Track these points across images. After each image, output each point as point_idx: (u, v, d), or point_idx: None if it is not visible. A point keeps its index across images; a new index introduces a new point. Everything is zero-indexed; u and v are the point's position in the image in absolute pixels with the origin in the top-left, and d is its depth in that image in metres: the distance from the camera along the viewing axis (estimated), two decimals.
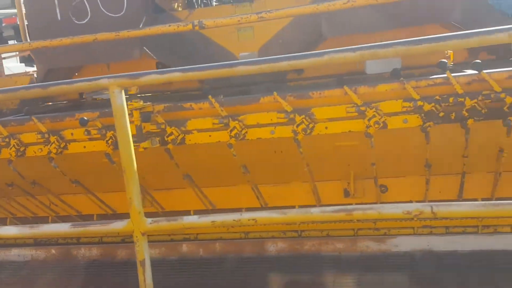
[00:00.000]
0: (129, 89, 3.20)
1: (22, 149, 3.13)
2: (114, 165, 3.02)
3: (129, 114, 2.86)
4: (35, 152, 3.13)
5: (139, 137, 2.97)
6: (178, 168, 3.15)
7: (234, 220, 2.03)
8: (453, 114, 2.68)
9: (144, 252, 2.12)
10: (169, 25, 3.09)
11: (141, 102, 2.94)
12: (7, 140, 3.14)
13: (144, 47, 3.55)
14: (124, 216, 2.29)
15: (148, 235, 2.14)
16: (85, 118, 2.98)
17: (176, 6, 3.87)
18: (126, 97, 2.55)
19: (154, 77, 2.00)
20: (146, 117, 2.93)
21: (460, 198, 3.19)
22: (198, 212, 3.54)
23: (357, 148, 2.96)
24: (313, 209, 1.98)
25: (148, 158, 3.04)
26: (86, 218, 3.71)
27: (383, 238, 3.03)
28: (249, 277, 2.95)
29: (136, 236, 2.11)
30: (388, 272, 2.81)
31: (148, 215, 2.14)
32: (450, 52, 3.37)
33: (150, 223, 2.10)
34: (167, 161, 3.08)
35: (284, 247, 3.14)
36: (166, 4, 3.81)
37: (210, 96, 2.89)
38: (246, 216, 2.01)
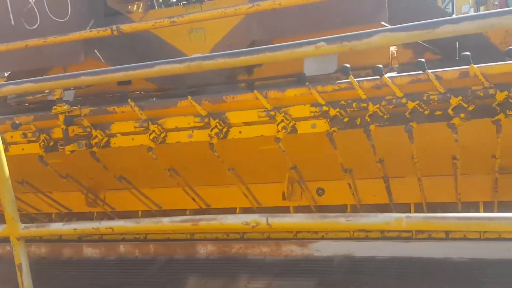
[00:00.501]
0: (53, 94, 3.30)
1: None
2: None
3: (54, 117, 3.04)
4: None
5: (65, 140, 3.08)
6: (108, 171, 3.25)
7: (93, 228, 2.10)
8: (358, 119, 2.62)
9: (20, 256, 2.21)
10: (90, 30, 3.17)
11: (66, 107, 3.04)
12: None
13: (95, 50, 3.64)
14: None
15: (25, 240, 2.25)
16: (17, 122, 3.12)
17: (132, 8, 3.94)
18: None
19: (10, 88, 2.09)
20: (69, 121, 3.03)
21: (391, 202, 3.12)
22: (144, 213, 3.64)
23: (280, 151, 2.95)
24: (164, 219, 2.02)
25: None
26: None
27: (306, 243, 3.01)
28: (174, 277, 3.01)
29: (12, 241, 2.22)
30: (303, 276, 2.79)
31: None
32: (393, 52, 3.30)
33: (23, 228, 2.20)
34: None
35: (214, 250, 3.17)
36: (122, 6, 3.87)
37: (129, 100, 2.95)
38: (104, 225, 2.06)
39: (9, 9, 3.60)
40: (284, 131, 2.73)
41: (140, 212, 3.61)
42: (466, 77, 2.42)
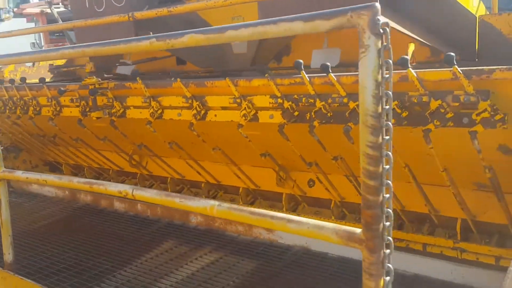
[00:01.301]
0: (85, 67, 3.77)
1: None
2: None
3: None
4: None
5: (94, 107, 3.56)
6: (127, 138, 3.68)
7: (58, 181, 2.54)
8: (308, 114, 2.65)
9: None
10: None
11: (94, 79, 3.51)
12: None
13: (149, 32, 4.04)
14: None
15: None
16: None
17: None
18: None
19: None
20: (94, 92, 3.49)
21: None
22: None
23: (260, 138, 3.07)
24: (74, 179, 2.37)
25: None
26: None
27: (272, 229, 3.10)
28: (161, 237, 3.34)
29: None
30: (253, 258, 2.92)
31: None
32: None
33: (2, 172, 2.71)
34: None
35: (202, 221, 3.42)
36: None
37: (138, 78, 3.31)
38: (70, 180, 2.48)
39: None
40: (244, 118, 2.86)
41: (169, 179, 4.00)
42: (406, 81, 2.32)
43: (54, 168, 5.08)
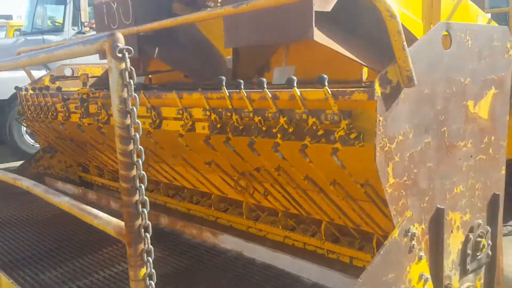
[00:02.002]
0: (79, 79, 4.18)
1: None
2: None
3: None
4: None
5: (86, 114, 3.98)
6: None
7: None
8: (228, 127, 2.85)
9: None
10: None
11: (86, 89, 3.93)
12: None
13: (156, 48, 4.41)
14: None
15: None
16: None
17: None
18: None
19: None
20: (83, 101, 3.90)
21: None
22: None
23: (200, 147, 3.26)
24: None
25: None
26: None
27: (217, 233, 3.28)
28: None
29: None
30: (188, 260, 3.12)
31: None
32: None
33: None
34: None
35: (168, 223, 3.69)
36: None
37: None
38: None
39: (104, 11, 4.62)
40: (182, 129, 3.11)
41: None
42: (293, 99, 2.45)
43: (85, 169, 5.61)
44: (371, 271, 2.16)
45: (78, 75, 5.59)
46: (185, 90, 3.15)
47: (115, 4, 4.42)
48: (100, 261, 3.17)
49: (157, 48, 4.39)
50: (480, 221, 2.78)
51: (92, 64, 5.89)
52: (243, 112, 2.72)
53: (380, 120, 2.13)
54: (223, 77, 2.78)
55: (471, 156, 2.67)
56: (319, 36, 2.93)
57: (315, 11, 2.92)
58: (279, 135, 2.49)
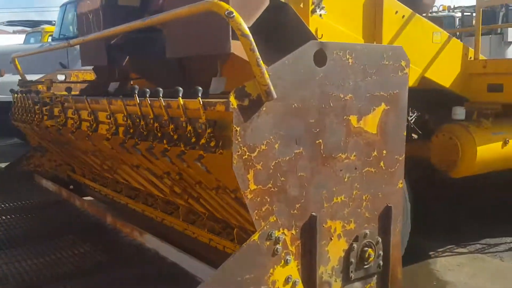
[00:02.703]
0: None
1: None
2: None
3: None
4: None
5: (49, 117, 4.30)
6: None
7: None
8: (137, 132, 3.09)
9: None
10: None
11: (49, 93, 4.25)
12: None
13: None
14: None
15: None
16: None
17: None
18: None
19: None
20: (44, 104, 4.23)
21: None
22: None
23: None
24: None
25: None
26: None
27: (143, 232, 3.52)
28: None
29: None
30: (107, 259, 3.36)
31: None
32: None
33: None
34: None
35: (110, 220, 3.95)
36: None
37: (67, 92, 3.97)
38: None
39: (84, 21, 4.94)
40: (107, 132, 3.37)
41: None
42: (170, 108, 2.67)
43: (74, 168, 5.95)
44: (223, 270, 2.34)
45: (71, 80, 5.98)
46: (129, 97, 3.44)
47: (91, 15, 4.75)
48: None
49: (127, 57, 4.69)
50: (367, 231, 2.90)
51: (84, 70, 6.26)
52: (147, 118, 2.95)
53: (237, 130, 2.32)
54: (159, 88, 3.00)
55: (355, 168, 2.81)
56: (237, 49, 3.12)
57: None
58: (165, 141, 2.71)
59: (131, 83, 5.25)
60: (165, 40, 3.75)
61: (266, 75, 2.31)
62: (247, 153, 2.37)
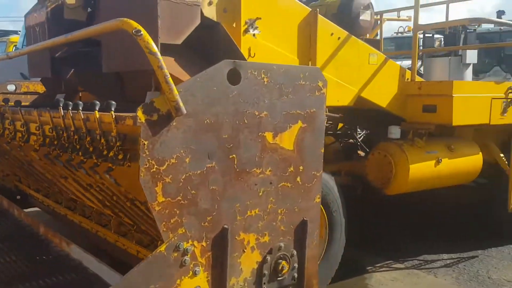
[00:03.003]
0: None
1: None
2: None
3: None
4: None
5: None
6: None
7: None
8: (59, 144, 3.15)
9: None
10: None
11: None
12: None
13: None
14: None
15: None
16: None
17: None
18: None
19: None
20: None
21: None
22: None
23: None
24: None
25: None
26: None
27: (70, 243, 3.56)
28: None
29: None
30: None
31: None
32: None
33: None
34: None
35: (44, 231, 3.98)
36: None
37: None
38: None
39: (31, 33, 4.98)
40: (35, 144, 3.42)
41: None
42: (88, 121, 2.74)
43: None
44: (127, 280, 2.41)
45: (21, 91, 5.99)
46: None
47: (37, 28, 4.80)
48: None
49: (71, 70, 4.74)
50: (282, 244, 3.00)
51: (35, 81, 6.26)
52: (69, 130, 3.01)
53: (145, 144, 2.40)
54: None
55: (270, 183, 2.90)
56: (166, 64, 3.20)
57: (161, 44, 3.22)
58: (80, 153, 2.78)
59: (80, 95, 5.31)
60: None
61: (175, 92, 2.40)
62: (155, 166, 2.45)
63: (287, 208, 3.01)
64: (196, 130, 2.57)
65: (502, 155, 5.40)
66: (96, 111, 2.67)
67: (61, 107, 3.04)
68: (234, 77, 2.68)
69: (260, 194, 2.88)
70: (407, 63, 14.98)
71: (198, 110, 2.54)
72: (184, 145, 2.54)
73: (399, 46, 16.50)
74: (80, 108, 2.82)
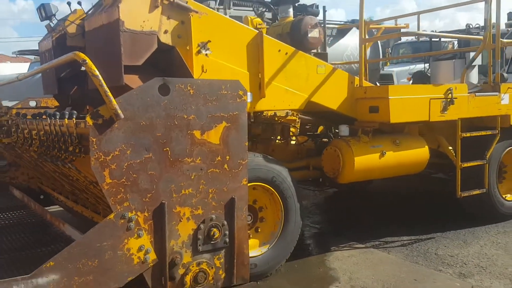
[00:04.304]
0: None
1: None
2: None
3: None
4: None
5: (6, 135, 5.43)
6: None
7: None
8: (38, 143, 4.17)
9: None
10: None
11: (4, 118, 5.37)
12: None
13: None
14: None
15: None
16: None
17: None
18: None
19: None
20: (1, 125, 5.35)
21: None
22: None
23: None
24: None
25: None
26: None
27: (65, 224, 4.57)
28: None
29: None
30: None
31: None
32: None
33: None
34: None
35: (49, 217, 5.02)
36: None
37: None
38: None
39: (43, 58, 6.08)
40: (34, 146, 4.46)
41: None
42: (63, 126, 3.76)
43: None
44: (85, 238, 3.37)
45: (41, 105, 7.12)
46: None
47: (47, 53, 5.88)
48: None
49: (75, 87, 5.81)
50: (214, 216, 3.91)
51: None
52: (53, 134, 4.03)
53: (93, 141, 3.37)
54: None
55: (201, 169, 3.82)
56: (130, 81, 4.19)
57: (125, 65, 4.19)
58: (55, 150, 3.78)
59: (88, 107, 6.36)
60: None
61: (114, 102, 3.36)
62: (103, 157, 3.41)
63: (217, 188, 3.91)
64: (134, 130, 3.52)
65: (450, 147, 6.12)
66: (66, 119, 3.67)
67: (45, 117, 4.05)
68: (164, 90, 3.62)
69: (192, 177, 3.80)
70: (420, 66, 15.69)
71: (135, 115, 3.49)
72: (125, 141, 3.49)
73: (415, 50, 17.06)
74: (58, 118, 3.82)
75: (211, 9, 4.73)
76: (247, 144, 4.05)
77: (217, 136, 3.88)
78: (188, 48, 4.54)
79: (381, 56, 10.07)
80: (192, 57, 4.53)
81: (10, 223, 5.06)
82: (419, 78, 10.27)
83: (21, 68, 17.43)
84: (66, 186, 4.92)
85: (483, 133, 6.16)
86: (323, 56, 5.74)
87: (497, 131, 6.21)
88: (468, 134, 5.99)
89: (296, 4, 6.72)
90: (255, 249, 4.77)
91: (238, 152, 4.00)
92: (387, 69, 16.90)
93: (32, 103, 7.19)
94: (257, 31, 4.96)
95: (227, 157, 3.94)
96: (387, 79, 16.34)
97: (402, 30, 8.43)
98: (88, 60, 3.32)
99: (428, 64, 14.06)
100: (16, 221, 5.15)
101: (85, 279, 3.36)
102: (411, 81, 12.30)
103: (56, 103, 7.12)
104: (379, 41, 9.52)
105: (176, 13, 4.38)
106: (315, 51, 5.77)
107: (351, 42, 7.98)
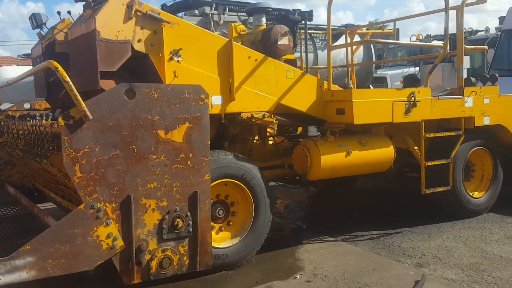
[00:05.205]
0: None
1: None
2: None
3: None
4: None
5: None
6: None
7: None
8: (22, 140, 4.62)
9: None
10: None
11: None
12: None
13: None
14: None
15: None
16: None
17: None
18: None
19: None
20: None
21: None
22: None
23: None
24: None
25: None
26: None
27: (48, 216, 5.01)
28: None
29: None
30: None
31: None
32: None
33: None
34: None
35: (36, 210, 5.47)
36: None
37: None
38: None
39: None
40: (20, 144, 4.90)
41: None
42: (41, 126, 4.20)
43: None
44: (57, 225, 3.80)
45: (35, 108, 7.57)
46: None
47: (38, 59, 6.33)
48: None
49: (63, 91, 6.24)
50: (178, 207, 4.32)
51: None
52: (33, 133, 4.47)
53: (65, 139, 3.80)
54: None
55: (165, 165, 4.24)
56: (106, 86, 4.61)
57: (100, 71, 4.61)
58: (35, 147, 4.22)
59: None
60: None
61: (83, 105, 3.79)
62: (74, 153, 3.84)
63: (181, 182, 4.33)
64: (102, 129, 3.94)
65: (416, 147, 6.50)
66: (43, 120, 4.10)
67: (28, 118, 4.49)
68: (130, 93, 4.04)
69: (157, 172, 4.21)
70: (413, 69, 16.07)
71: (103, 117, 3.91)
72: (94, 140, 3.91)
73: (410, 53, 17.41)
74: (38, 119, 4.25)
75: (182, 19, 5.13)
76: (209, 143, 4.46)
77: (181, 135, 4.29)
78: (160, 55, 4.94)
79: (374, 59, 10.53)
80: (164, 63, 4.93)
81: (1, 216, 5.50)
82: (410, 81, 10.63)
83: (25, 71, 17.82)
84: (51, 181, 5.36)
85: (446, 134, 6.53)
86: (291, 62, 6.13)
87: (462, 132, 6.57)
88: (431, 135, 6.36)
89: (276, 13, 7.11)
90: (227, 241, 5.18)
91: (201, 150, 4.41)
92: (381, 72, 17.29)
93: (27, 106, 7.64)
94: (227, 40, 5.36)
95: (190, 154, 4.35)
96: (381, 82, 16.75)
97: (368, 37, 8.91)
98: (60, 68, 3.75)
99: (418, 68, 14.49)
100: (7, 214, 5.59)
101: (58, 262, 3.78)
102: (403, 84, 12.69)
103: (49, 106, 7.60)
104: (371, 45, 9.99)
105: (149, 24, 4.79)
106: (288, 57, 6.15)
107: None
